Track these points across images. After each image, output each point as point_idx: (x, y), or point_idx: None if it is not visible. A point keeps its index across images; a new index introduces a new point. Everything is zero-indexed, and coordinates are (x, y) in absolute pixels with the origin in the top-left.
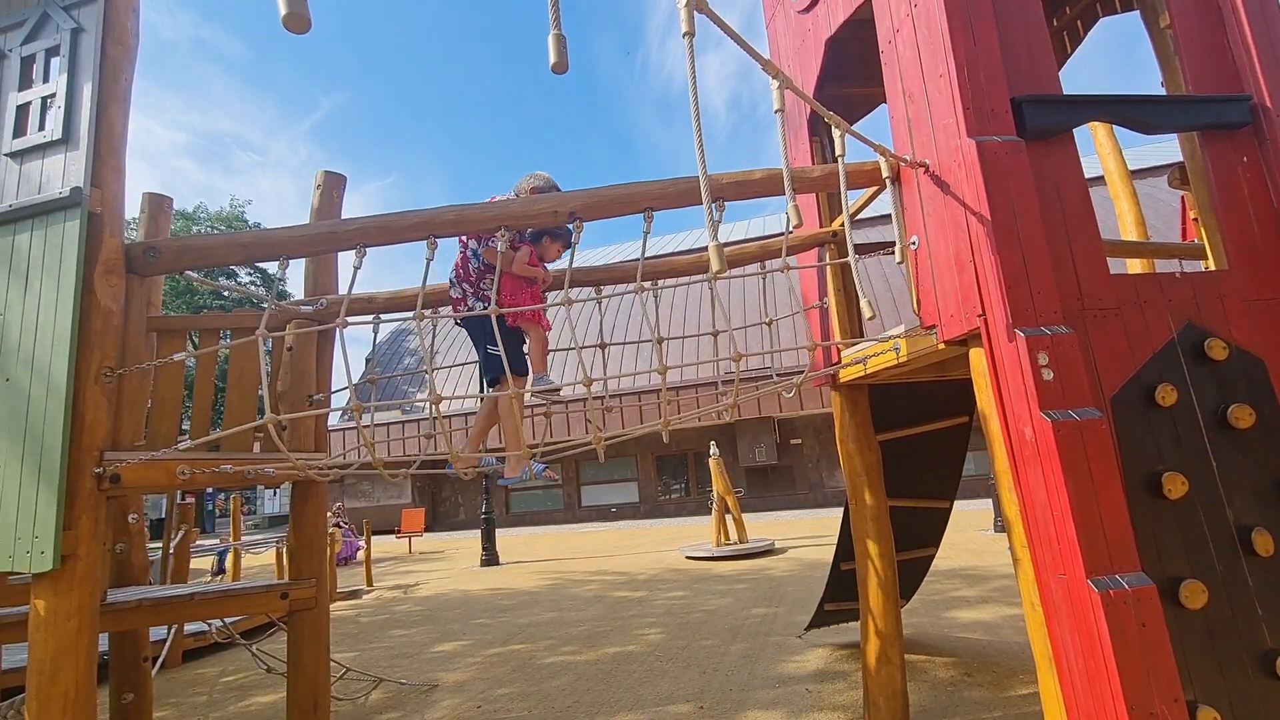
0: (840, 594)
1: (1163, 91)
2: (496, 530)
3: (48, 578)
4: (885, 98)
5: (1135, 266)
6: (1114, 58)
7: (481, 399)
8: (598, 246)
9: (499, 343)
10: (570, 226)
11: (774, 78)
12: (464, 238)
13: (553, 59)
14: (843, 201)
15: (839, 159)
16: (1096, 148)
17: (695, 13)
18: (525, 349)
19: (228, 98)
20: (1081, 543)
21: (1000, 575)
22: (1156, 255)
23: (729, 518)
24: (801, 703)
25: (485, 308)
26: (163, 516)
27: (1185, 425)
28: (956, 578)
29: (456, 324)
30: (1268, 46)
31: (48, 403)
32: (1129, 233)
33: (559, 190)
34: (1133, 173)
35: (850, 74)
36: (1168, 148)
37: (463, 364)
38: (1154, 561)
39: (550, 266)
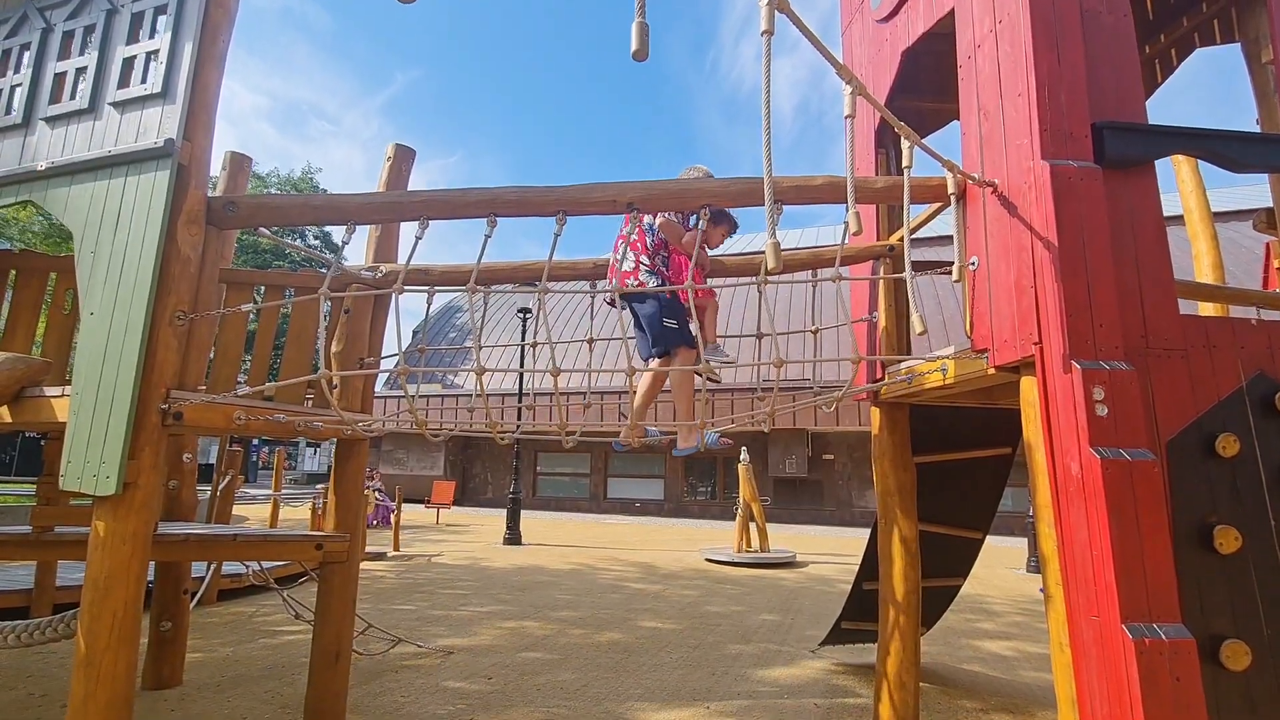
0: (859, 613)
1: (1258, 129)
2: (521, 511)
3: (109, 502)
4: (958, 113)
5: (1208, 311)
6: (1210, 92)
7: (633, 373)
8: None
9: (674, 316)
10: (730, 212)
11: (848, 83)
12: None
13: (634, 46)
14: (904, 215)
15: (905, 171)
16: (1178, 184)
17: (776, 12)
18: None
19: (309, 67)
20: (1120, 586)
21: (1027, 614)
22: (1232, 301)
23: (753, 525)
24: (808, 717)
25: (658, 281)
26: (211, 462)
27: (1245, 479)
28: (982, 612)
29: (611, 302)
30: None
31: (125, 339)
32: (1204, 275)
33: (713, 178)
34: (1215, 214)
35: (924, 87)
36: (1253, 190)
37: (505, 345)
38: (1197, 616)
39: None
